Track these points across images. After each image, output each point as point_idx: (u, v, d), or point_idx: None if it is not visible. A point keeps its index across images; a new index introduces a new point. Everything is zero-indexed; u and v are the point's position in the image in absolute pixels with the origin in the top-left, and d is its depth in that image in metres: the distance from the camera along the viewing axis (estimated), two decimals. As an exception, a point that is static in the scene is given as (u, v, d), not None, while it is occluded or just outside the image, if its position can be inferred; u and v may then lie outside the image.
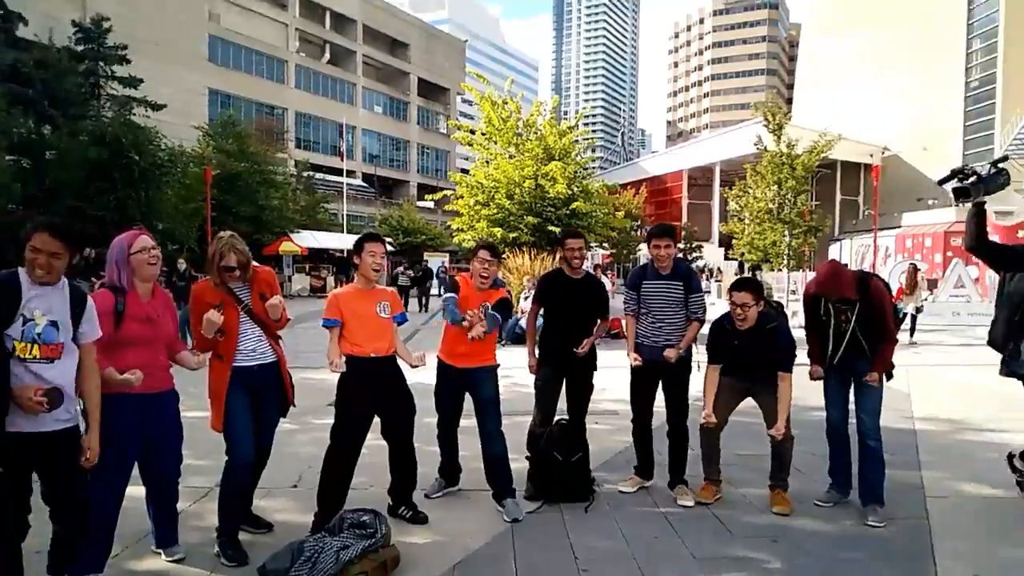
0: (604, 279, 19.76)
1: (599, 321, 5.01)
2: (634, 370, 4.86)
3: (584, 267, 5.11)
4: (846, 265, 5.10)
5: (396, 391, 4.25)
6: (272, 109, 53.15)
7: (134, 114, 26.56)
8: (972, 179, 4.38)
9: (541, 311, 5.15)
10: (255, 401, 3.86)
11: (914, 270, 15.63)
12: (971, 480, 5.25)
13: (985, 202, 4.39)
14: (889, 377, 4.52)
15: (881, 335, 4.44)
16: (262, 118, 48.76)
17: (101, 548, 3.38)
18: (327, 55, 60.10)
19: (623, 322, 4.95)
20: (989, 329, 4.53)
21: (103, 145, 22.96)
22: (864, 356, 4.44)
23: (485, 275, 4.58)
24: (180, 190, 26.34)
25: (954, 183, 4.45)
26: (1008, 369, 4.38)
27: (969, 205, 4.45)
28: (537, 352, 5.06)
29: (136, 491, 3.61)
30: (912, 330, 14.52)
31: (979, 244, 4.47)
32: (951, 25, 56.05)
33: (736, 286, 4.61)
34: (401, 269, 25.04)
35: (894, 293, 18.23)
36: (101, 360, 3.18)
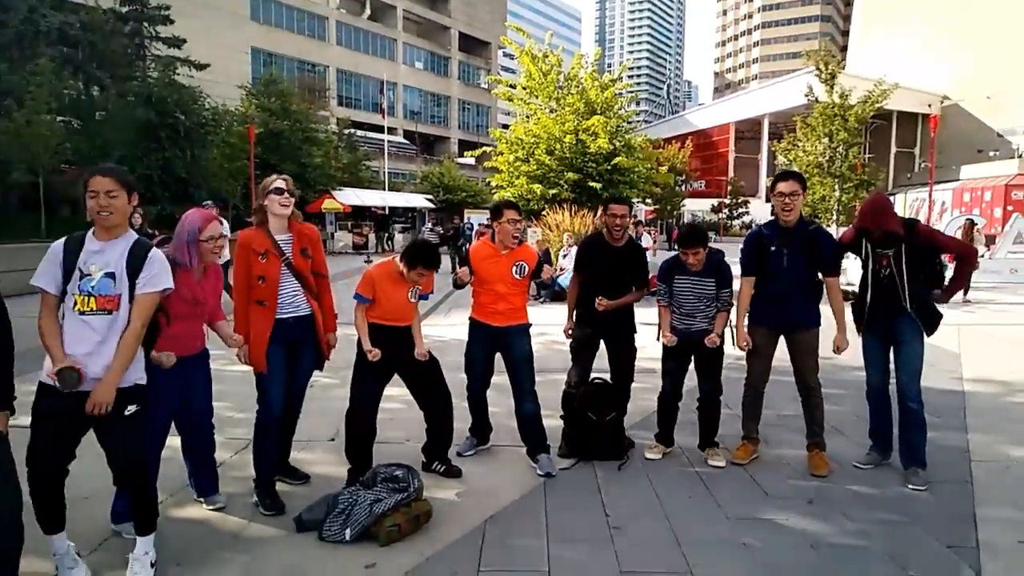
0: (646, 236, 19.51)
1: (634, 289, 4.90)
2: (666, 348, 4.77)
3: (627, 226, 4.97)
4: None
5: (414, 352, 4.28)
6: (314, 67, 53.15)
7: (178, 74, 26.89)
8: None
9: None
10: (290, 353, 3.92)
11: (970, 225, 15.12)
12: (1019, 444, 5.08)
13: None
14: (931, 331, 4.32)
15: (928, 283, 4.29)
16: (304, 76, 48.79)
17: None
18: (367, 10, 59.58)
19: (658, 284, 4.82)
20: None
21: (149, 105, 23.36)
22: (904, 313, 4.25)
23: (516, 235, 4.53)
24: (224, 148, 26.71)
25: None
26: None
27: None
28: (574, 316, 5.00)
29: (175, 441, 3.72)
30: (966, 288, 14.01)
31: None
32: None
33: (782, 177, 4.46)
34: (429, 226, 24.06)
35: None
36: None
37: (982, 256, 15.46)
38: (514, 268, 4.52)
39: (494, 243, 4.59)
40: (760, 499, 4.09)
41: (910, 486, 4.22)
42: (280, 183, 3.85)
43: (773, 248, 4.43)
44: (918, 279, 4.24)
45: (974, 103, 54.08)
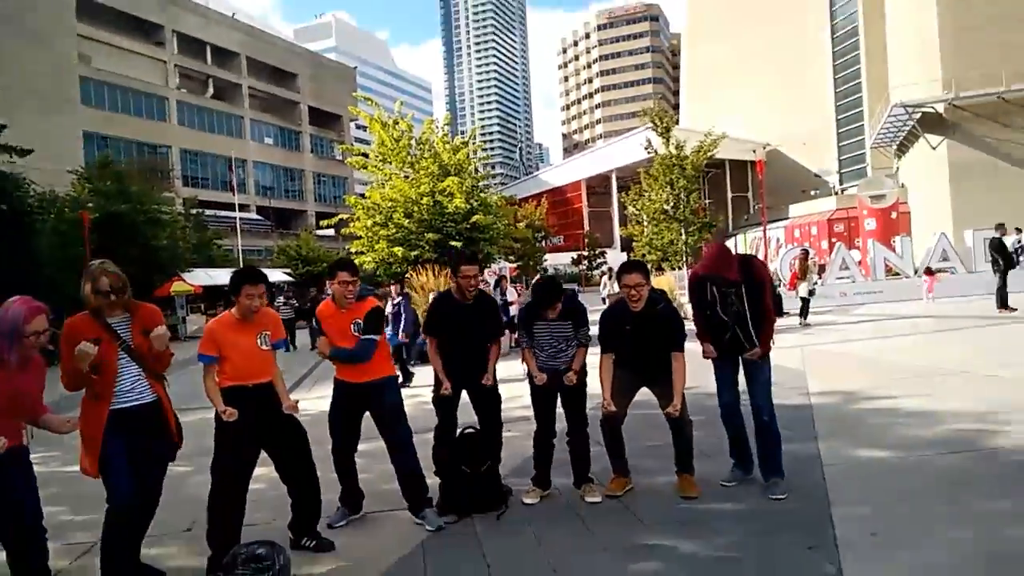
0: (511, 291, 19.81)
1: (494, 345, 4.91)
2: (533, 386, 4.83)
3: (489, 279, 5.05)
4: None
5: (281, 417, 4.02)
6: (155, 148, 50.85)
7: (-2, 161, 24.77)
8: None
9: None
10: (136, 444, 3.56)
11: (805, 255, 16.52)
12: (863, 445, 5.48)
13: None
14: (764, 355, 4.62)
15: (762, 313, 4.57)
16: (144, 157, 46.53)
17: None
18: (211, 89, 58.15)
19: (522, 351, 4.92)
20: None
21: (-36, 195, 21.32)
22: (749, 337, 4.56)
23: (349, 296, 4.43)
24: (55, 237, 24.77)
25: None
26: None
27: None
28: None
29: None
30: (805, 312, 15.26)
31: None
32: (816, 26, 60.07)
33: (625, 269, 4.66)
34: (282, 300, 21.57)
35: (787, 280, 19.24)
36: None
37: (817, 283, 16.85)
38: (352, 326, 4.42)
39: (333, 301, 4.51)
40: (636, 526, 4.14)
41: (771, 496, 4.42)
42: (104, 285, 3.50)
43: (628, 327, 4.63)
44: (758, 309, 4.55)
45: (793, 148, 60.40)
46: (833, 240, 35.61)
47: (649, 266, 30.26)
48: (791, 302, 16.62)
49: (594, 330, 4.76)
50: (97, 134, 46.02)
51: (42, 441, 3.36)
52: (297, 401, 4.14)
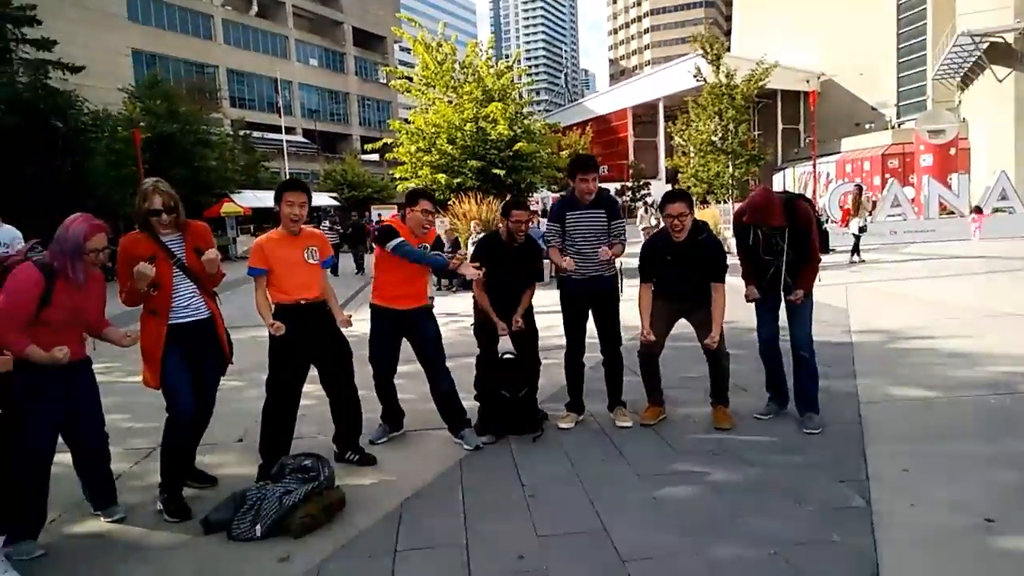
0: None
1: (529, 288, 4.96)
2: (565, 301, 4.87)
3: (535, 208, 5.07)
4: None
5: (329, 336, 4.17)
6: (202, 67, 50.82)
7: (50, 78, 25.17)
8: None
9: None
10: (192, 358, 3.74)
11: (859, 191, 16.09)
12: (902, 384, 5.46)
13: None
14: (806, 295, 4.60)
15: (805, 255, 4.52)
16: (192, 77, 46.66)
17: (32, 515, 3.31)
18: (255, 7, 57.46)
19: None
20: None
21: (19, 112, 21.77)
22: (791, 275, 4.54)
23: (427, 225, 4.54)
24: (109, 156, 25.22)
25: None
26: None
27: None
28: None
29: (67, 458, 3.51)
30: (856, 249, 14.98)
31: None
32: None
33: (669, 198, 4.63)
34: (327, 224, 21.12)
35: (840, 215, 18.77)
36: (18, 337, 3.08)
37: (869, 221, 16.43)
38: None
39: (405, 225, 4.56)
40: (667, 454, 4.24)
41: (805, 430, 4.47)
42: (156, 203, 3.58)
43: (668, 258, 4.62)
44: (803, 252, 4.51)
45: (848, 79, 57.65)
46: (887, 176, 34.38)
47: (694, 199, 29.68)
48: (841, 239, 16.34)
49: (634, 263, 4.76)
50: (145, 52, 46.12)
51: (104, 352, 3.55)
52: (350, 315, 4.27)
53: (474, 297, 4.99)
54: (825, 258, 5.39)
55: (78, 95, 23.94)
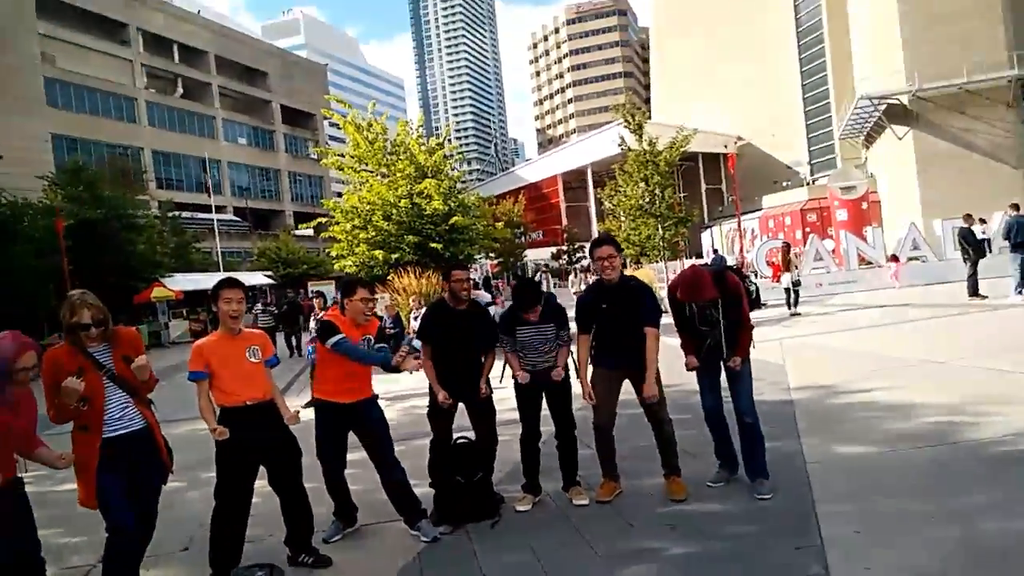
0: (485, 293, 19.84)
1: (489, 354, 5.00)
2: (518, 389, 4.93)
3: (473, 277, 5.14)
4: (705, 265, 5.39)
5: (278, 435, 4.08)
6: (126, 149, 50.04)
7: (-36, 168, 24.32)
8: None
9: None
10: (130, 471, 3.58)
11: (787, 248, 16.91)
12: (844, 441, 5.62)
13: None
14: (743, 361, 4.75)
15: (740, 323, 4.71)
16: (116, 159, 45.81)
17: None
18: (180, 89, 57.32)
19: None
20: None
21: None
22: (727, 342, 4.71)
23: (368, 313, 4.54)
24: (28, 246, 24.35)
25: None
26: None
27: None
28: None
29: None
30: (794, 302, 15.78)
31: None
32: (782, 22, 60.96)
33: (597, 243, 4.83)
34: (260, 307, 20.20)
35: (770, 272, 19.55)
36: None
37: (800, 275, 17.19)
38: (362, 341, 4.52)
39: (344, 316, 4.53)
40: (626, 531, 4.25)
41: (757, 495, 4.54)
42: (85, 318, 3.50)
43: (604, 306, 4.75)
44: (736, 319, 4.70)
45: (763, 140, 61.13)
46: (807, 230, 36.13)
47: (628, 260, 30.54)
48: (771, 292, 17.06)
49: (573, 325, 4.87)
50: (66, 136, 45.16)
51: (35, 463, 3.37)
52: (298, 411, 4.19)
53: (429, 387, 4.96)
54: (758, 314, 5.60)
55: (-6, 185, 23.17)
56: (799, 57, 59.98)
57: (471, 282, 5.09)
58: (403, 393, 9.65)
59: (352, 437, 4.60)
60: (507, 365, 4.95)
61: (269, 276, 39.38)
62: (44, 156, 40.02)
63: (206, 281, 34.97)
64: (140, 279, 29.98)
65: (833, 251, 22.09)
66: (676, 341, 4.92)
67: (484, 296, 16.42)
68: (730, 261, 22.59)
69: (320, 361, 4.59)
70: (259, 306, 20.28)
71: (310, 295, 27.65)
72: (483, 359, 4.96)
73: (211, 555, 3.91)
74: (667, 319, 4.90)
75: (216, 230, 42.32)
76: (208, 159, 50.27)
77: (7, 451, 3.26)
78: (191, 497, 5.46)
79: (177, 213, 41.56)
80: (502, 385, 4.97)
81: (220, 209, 49.83)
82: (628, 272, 4.95)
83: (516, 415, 4.99)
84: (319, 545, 4.33)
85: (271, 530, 4.63)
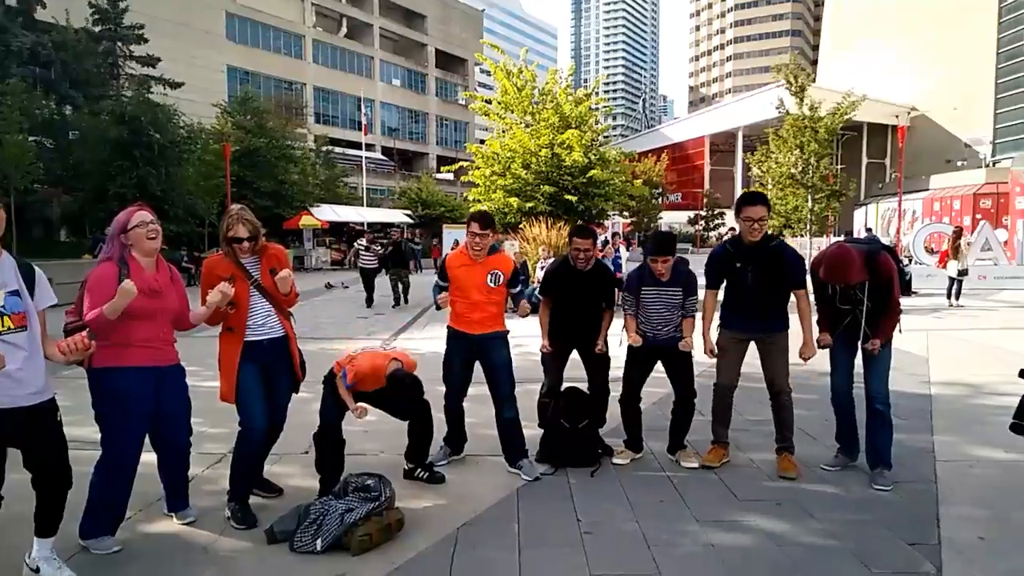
0: (622, 250, 19.64)
1: (607, 312, 4.99)
2: (631, 350, 4.81)
3: (603, 237, 5.09)
4: (856, 241, 4.99)
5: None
6: (291, 85, 53.10)
7: (152, 92, 26.79)
8: None
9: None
10: (266, 374, 3.93)
11: (958, 233, 15.50)
12: (983, 444, 5.18)
13: None
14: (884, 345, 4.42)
15: (885, 306, 4.37)
16: (280, 94, 48.76)
17: (114, 512, 3.52)
18: (344, 29, 59.74)
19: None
20: None
21: (123, 124, 23.22)
22: (869, 324, 4.39)
23: (477, 248, 4.57)
24: (200, 167, 26.58)
25: None
26: None
27: None
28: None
29: (149, 457, 3.71)
30: (956, 293, 14.58)
31: None
32: (982, -20, 54.34)
33: (748, 200, 4.50)
34: (364, 243, 16.62)
35: (929, 259, 18.14)
36: (109, 331, 3.28)
37: (969, 264, 15.78)
38: (489, 277, 4.59)
39: (467, 251, 4.64)
40: (729, 501, 4.15)
41: (875, 486, 4.30)
42: (241, 232, 3.79)
43: (738, 265, 4.54)
44: (883, 304, 4.36)
45: (941, 114, 55.41)
46: (978, 216, 32.80)
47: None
48: (926, 281, 15.85)
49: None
50: (239, 69, 48.61)
51: (183, 359, 3.76)
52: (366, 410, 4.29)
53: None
54: (908, 302, 5.21)
55: (176, 109, 25.34)
56: (998, 22, 53.37)
57: (594, 250, 4.99)
58: (521, 337, 9.82)
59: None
60: (625, 328, 4.88)
61: (408, 215, 40.83)
62: (219, 86, 43.33)
63: (350, 214, 36.87)
64: (291, 206, 32.05)
65: (1005, 243, 20.01)
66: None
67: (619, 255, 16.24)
68: (884, 243, 21.01)
69: (451, 289, 4.70)
70: (362, 242, 16.82)
71: (446, 239, 28.35)
72: (601, 318, 4.95)
73: (317, 462, 4.22)
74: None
75: (364, 167, 44.20)
76: (363, 98, 52.29)
77: (166, 323, 3.62)
78: (315, 408, 5.88)
79: (330, 148, 43.73)
80: (620, 348, 4.92)
81: (369, 147, 51.97)
82: None
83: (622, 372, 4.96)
84: (425, 467, 4.56)
85: (385, 448, 4.97)
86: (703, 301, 4.71)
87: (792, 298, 4.59)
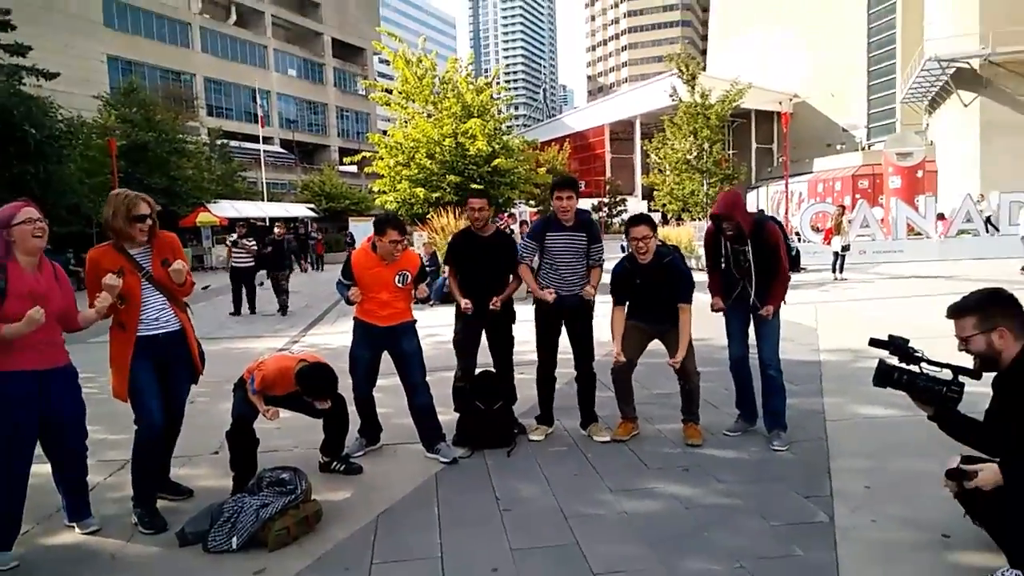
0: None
1: (512, 276, 5.11)
2: (539, 314, 4.99)
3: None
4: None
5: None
6: (179, 75, 50.49)
7: (24, 84, 24.88)
8: (905, 378, 3.47)
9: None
10: (162, 370, 3.79)
11: (841, 211, 16.67)
12: (866, 403, 5.58)
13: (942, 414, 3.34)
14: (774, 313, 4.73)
15: (774, 272, 4.66)
16: (168, 84, 46.37)
17: (8, 524, 3.32)
18: (233, 16, 57.25)
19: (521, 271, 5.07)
20: None
21: (-9, 118, 21.47)
22: (760, 293, 4.69)
23: (397, 253, 4.57)
24: (84, 163, 24.97)
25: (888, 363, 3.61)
26: None
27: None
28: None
29: (43, 468, 3.52)
30: (840, 267, 15.73)
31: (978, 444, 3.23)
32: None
33: (633, 222, 4.77)
34: (233, 238, 13.89)
35: (814, 237, 19.33)
36: None
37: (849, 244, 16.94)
38: (397, 277, 4.60)
39: (375, 253, 4.60)
40: (640, 470, 4.34)
41: (773, 447, 4.60)
42: (143, 209, 3.66)
43: (638, 281, 4.76)
44: (766, 270, 4.66)
45: (820, 100, 58.82)
46: (857, 196, 35.08)
47: (668, 216, 30.18)
48: (815, 257, 16.92)
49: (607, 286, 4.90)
50: (121, 58, 45.73)
51: (76, 362, 3.57)
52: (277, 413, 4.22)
53: (455, 312, 5.08)
54: (797, 277, 5.57)
55: (52, 102, 23.67)
56: (867, 14, 57.06)
57: (487, 211, 5.09)
58: (433, 327, 9.82)
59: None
60: (525, 283, 5.01)
61: (311, 209, 39.83)
62: (99, 77, 40.67)
63: (249, 209, 35.57)
64: (186, 203, 30.65)
65: (882, 220, 21.50)
66: (707, 296, 4.94)
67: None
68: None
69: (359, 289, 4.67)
70: (233, 236, 14.03)
71: (353, 231, 27.79)
72: (506, 281, 5.07)
73: (231, 461, 4.10)
74: (701, 276, 4.92)
75: (262, 161, 42.76)
76: (258, 89, 50.45)
77: (54, 327, 3.41)
78: (223, 407, 5.70)
79: (225, 141, 42.05)
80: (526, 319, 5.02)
81: (267, 140, 50.27)
82: (667, 230, 4.91)
83: (535, 356, 5.07)
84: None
85: (298, 443, 4.90)
86: (611, 318, 4.84)
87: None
